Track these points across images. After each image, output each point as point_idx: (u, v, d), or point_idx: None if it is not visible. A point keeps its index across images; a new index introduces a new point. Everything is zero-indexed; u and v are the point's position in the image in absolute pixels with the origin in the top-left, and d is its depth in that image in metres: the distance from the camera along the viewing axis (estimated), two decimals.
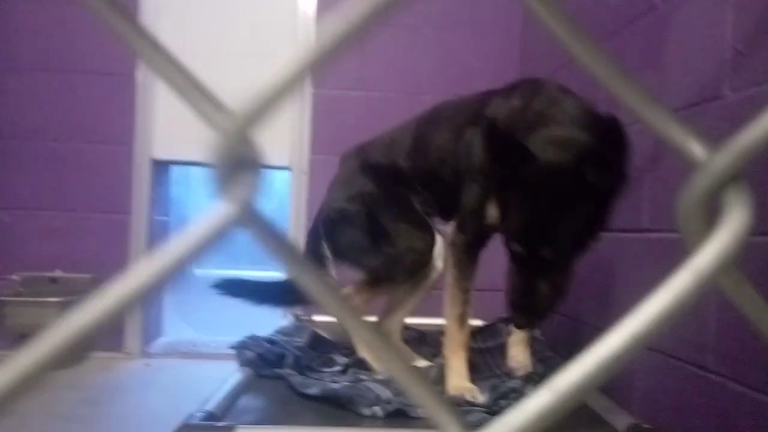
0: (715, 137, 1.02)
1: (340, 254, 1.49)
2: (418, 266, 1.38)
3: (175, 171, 3.13)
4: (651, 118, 0.28)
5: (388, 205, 1.42)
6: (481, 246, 1.29)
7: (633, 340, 0.26)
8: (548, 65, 2.17)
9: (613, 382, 1.39)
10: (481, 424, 1.11)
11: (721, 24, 1.10)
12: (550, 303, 1.06)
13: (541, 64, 2.29)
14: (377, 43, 2.69)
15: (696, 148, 0.28)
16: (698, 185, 0.28)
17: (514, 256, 1.06)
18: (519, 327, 1.10)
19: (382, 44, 2.69)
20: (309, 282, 0.25)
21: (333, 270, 1.52)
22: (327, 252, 1.51)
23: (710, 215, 0.27)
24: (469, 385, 1.25)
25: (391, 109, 2.67)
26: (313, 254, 1.53)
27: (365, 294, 1.45)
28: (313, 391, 1.19)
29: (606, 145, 0.98)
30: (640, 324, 0.26)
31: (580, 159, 0.98)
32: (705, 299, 1.08)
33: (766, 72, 0.98)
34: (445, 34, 2.68)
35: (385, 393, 1.22)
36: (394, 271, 1.40)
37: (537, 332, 1.50)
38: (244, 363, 1.37)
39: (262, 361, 1.38)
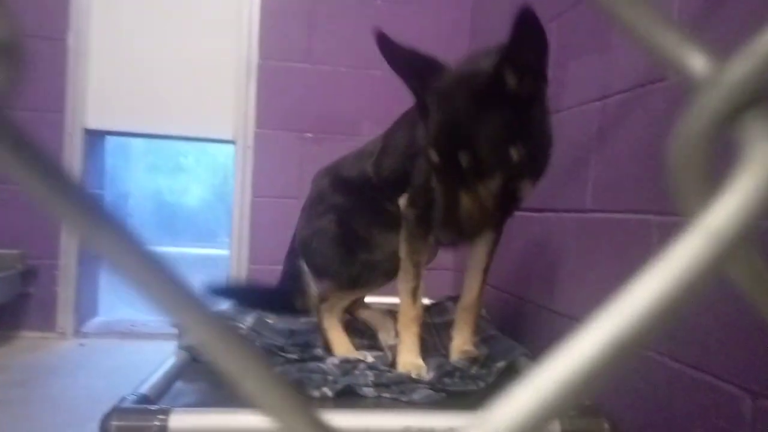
0: (659, 120, 1.02)
1: (317, 270, 1.48)
2: (396, 268, 1.36)
3: (111, 141, 2.97)
4: (632, 20, 0.20)
5: (360, 212, 1.40)
6: (431, 220, 1.28)
7: (618, 344, 0.16)
8: (499, 39, 2.16)
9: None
10: (426, 399, 1.12)
11: (668, 4, 1.10)
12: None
13: (492, 39, 2.28)
14: (326, 14, 2.61)
15: (697, 61, 0.19)
16: (702, 113, 0.18)
17: (435, 171, 1.03)
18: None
19: (331, 15, 2.61)
20: (82, 218, 0.16)
21: (312, 284, 1.52)
22: (306, 268, 1.52)
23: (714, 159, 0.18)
24: (418, 362, 1.25)
25: (340, 83, 2.61)
26: (292, 270, 1.54)
27: (340, 298, 1.42)
28: None
29: (523, 42, 0.96)
30: (629, 318, 0.16)
31: (498, 64, 0.97)
32: None
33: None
34: (396, 7, 2.63)
35: (333, 373, 1.20)
36: (372, 276, 1.40)
37: (483, 311, 1.51)
38: (185, 346, 1.32)
39: None
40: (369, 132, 2.56)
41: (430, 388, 1.17)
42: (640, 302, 0.17)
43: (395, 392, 1.16)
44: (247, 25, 2.60)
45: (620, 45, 1.29)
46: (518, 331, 1.66)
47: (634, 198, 1.18)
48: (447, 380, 1.23)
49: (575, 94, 1.49)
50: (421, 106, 1.07)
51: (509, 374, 1.28)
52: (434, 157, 1.00)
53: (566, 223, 1.48)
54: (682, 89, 1.05)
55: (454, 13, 2.64)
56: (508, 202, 1.12)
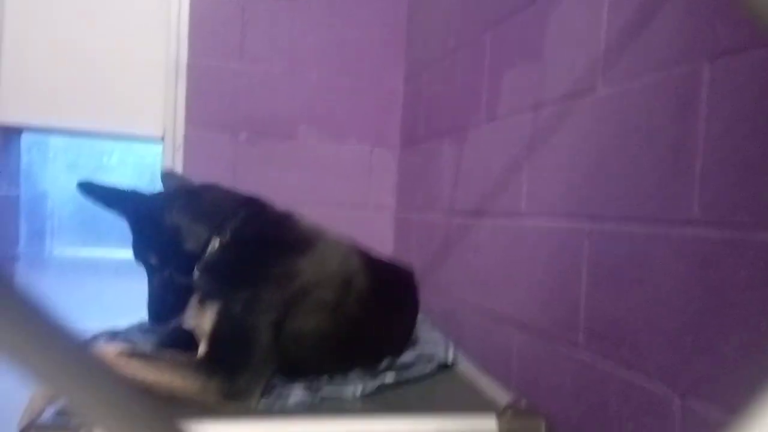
0: (587, 130, 1.06)
1: None
2: None
3: (27, 138, 2.79)
4: None
5: None
6: None
7: None
8: (434, 47, 2.19)
9: (492, 361, 1.44)
10: (300, 406, 1.09)
11: (597, 20, 1.15)
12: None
13: (428, 43, 2.31)
14: (259, 12, 2.56)
15: None
16: None
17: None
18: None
19: (264, 14, 2.57)
20: None
21: None
22: None
23: None
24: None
25: (274, 83, 2.57)
26: None
27: None
28: None
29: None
30: None
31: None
32: (575, 278, 1.15)
33: (635, 68, 1.04)
34: (333, 8, 2.62)
35: None
36: None
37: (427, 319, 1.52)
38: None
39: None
40: (305, 135, 2.54)
41: (306, 389, 1.16)
42: None
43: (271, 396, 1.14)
44: (176, 20, 2.51)
45: (552, 57, 1.33)
46: (457, 332, 1.68)
47: (566, 204, 1.22)
48: (323, 386, 1.20)
49: (509, 104, 1.53)
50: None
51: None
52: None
53: (502, 227, 1.52)
54: (608, 102, 1.10)
55: (390, 16, 2.65)
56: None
